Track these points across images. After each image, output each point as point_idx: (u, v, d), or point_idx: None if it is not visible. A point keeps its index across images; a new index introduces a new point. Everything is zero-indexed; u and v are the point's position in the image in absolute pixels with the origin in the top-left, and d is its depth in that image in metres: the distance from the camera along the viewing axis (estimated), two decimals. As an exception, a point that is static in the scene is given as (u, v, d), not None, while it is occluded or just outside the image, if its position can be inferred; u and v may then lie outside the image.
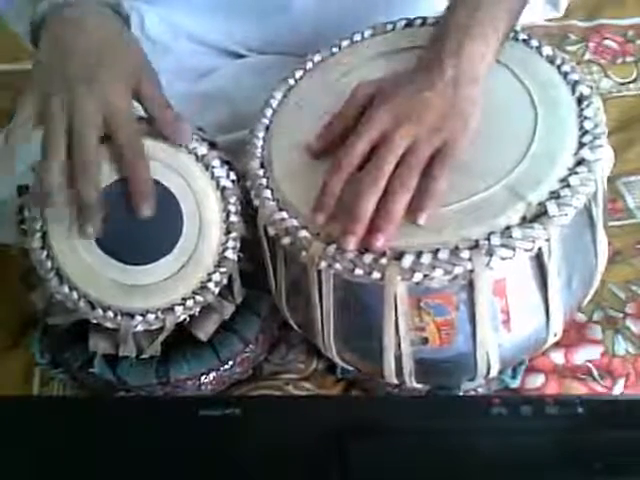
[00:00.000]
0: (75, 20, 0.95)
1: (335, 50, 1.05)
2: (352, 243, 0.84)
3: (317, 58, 1.05)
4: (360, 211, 0.84)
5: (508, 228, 0.82)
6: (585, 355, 1.10)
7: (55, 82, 0.92)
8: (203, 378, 1.07)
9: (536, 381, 1.08)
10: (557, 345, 1.04)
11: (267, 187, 0.93)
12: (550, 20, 1.64)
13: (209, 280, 0.98)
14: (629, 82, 1.53)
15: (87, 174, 0.90)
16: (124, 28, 1.00)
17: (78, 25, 0.95)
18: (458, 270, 0.82)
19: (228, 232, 0.98)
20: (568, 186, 0.83)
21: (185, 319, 0.99)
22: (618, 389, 1.07)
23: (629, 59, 1.58)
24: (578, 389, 1.07)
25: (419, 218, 0.84)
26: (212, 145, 1.00)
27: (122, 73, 0.93)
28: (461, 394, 1.02)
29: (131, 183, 0.92)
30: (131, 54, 0.97)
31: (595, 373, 1.09)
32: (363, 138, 0.87)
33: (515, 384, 1.07)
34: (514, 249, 0.81)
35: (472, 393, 1.03)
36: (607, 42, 1.62)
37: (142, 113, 0.96)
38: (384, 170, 0.85)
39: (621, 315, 1.15)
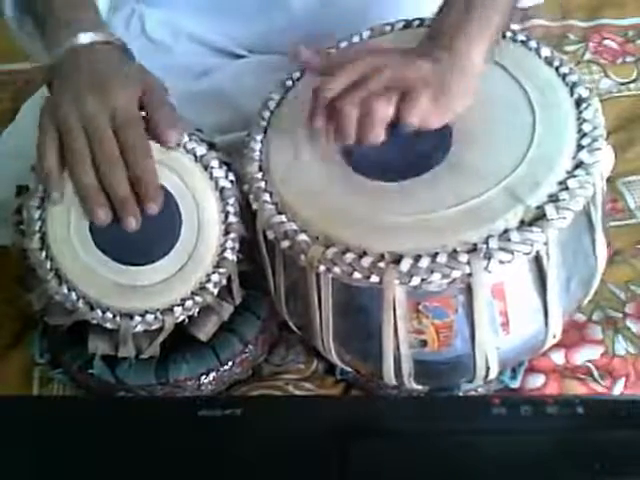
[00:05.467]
0: (83, 59, 0.97)
1: (333, 52, 1.04)
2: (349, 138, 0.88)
3: (315, 59, 1.04)
4: (344, 110, 0.87)
5: (506, 231, 0.82)
6: (585, 355, 1.10)
7: (66, 99, 0.94)
8: (203, 378, 1.07)
9: (536, 381, 1.08)
10: (557, 345, 1.03)
11: (265, 190, 0.93)
12: (550, 20, 1.64)
13: (208, 281, 0.98)
14: (629, 82, 1.53)
15: (115, 168, 0.92)
16: (128, 57, 1.02)
17: (86, 61, 0.97)
18: (456, 274, 0.82)
19: (227, 233, 0.98)
20: (566, 189, 0.83)
21: (184, 320, 0.99)
22: (618, 389, 1.07)
23: (629, 59, 1.57)
24: (578, 389, 1.07)
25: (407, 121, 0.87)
26: (211, 146, 1.00)
27: (128, 83, 0.95)
28: (461, 394, 1.02)
29: (138, 183, 0.93)
30: (136, 69, 0.99)
31: (595, 373, 1.09)
32: (348, 71, 0.90)
33: (515, 384, 1.07)
34: (512, 253, 0.81)
35: (472, 393, 1.03)
36: (607, 42, 1.61)
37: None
38: (364, 88, 0.88)
39: (621, 315, 1.14)
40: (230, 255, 0.98)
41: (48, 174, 0.93)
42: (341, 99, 0.88)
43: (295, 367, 1.13)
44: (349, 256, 0.85)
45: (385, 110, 0.87)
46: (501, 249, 0.81)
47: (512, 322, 0.89)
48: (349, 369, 1.03)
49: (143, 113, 0.95)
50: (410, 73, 0.88)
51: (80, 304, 0.97)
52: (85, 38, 0.97)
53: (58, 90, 0.96)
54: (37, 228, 0.96)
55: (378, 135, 0.88)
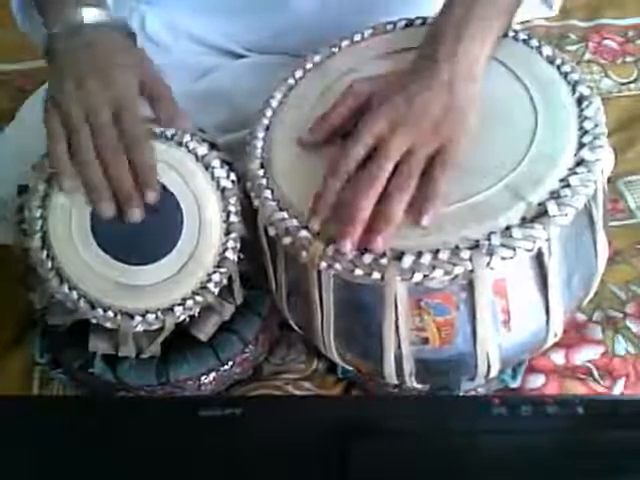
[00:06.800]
0: (85, 37, 0.98)
1: (335, 50, 1.05)
2: (348, 245, 0.84)
3: (317, 58, 1.04)
4: (356, 213, 0.84)
5: (508, 228, 0.82)
6: (585, 355, 1.11)
7: (68, 88, 0.94)
8: (203, 378, 1.07)
9: (536, 381, 1.09)
10: (557, 345, 1.04)
11: (267, 187, 0.93)
12: (550, 20, 1.64)
13: (209, 280, 0.98)
14: (629, 82, 1.54)
15: (117, 159, 0.93)
16: (131, 41, 1.03)
17: (88, 40, 0.98)
18: (458, 270, 0.82)
19: (228, 232, 0.98)
20: (568, 186, 0.83)
21: (185, 319, 0.99)
22: (618, 389, 1.07)
23: (629, 59, 1.59)
24: (578, 389, 1.07)
25: (422, 220, 0.83)
26: (212, 145, 1.00)
27: (129, 70, 0.96)
28: (461, 394, 1.02)
29: (135, 168, 0.93)
30: (138, 57, 1.00)
31: (595, 373, 1.09)
32: (359, 144, 0.87)
33: (515, 384, 1.07)
34: (514, 249, 0.81)
35: (472, 393, 1.03)
36: (607, 42, 1.62)
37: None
38: (380, 174, 0.85)
39: (621, 315, 1.15)
40: (231, 255, 0.98)
41: (58, 163, 0.94)
42: (355, 198, 0.85)
43: (296, 366, 1.14)
44: (350, 253, 0.84)
45: (400, 211, 0.85)
46: (503, 245, 0.81)
47: (514, 319, 0.89)
48: (350, 368, 1.03)
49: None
50: (418, 121, 0.87)
51: (81, 303, 0.96)
52: (88, 15, 0.98)
53: (59, 75, 0.97)
54: (38, 227, 0.97)
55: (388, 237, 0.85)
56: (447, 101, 0.87)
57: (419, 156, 0.86)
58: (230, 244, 0.98)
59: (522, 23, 1.53)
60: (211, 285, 0.98)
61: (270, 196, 0.92)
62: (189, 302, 0.98)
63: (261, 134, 0.98)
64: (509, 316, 0.88)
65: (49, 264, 0.96)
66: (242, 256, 1.00)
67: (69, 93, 0.94)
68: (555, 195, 0.83)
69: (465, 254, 0.81)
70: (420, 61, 0.92)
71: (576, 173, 0.84)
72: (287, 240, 0.89)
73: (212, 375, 1.08)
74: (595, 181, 0.86)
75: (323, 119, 0.94)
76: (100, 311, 0.97)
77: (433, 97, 0.87)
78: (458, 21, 0.90)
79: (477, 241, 0.82)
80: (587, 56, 1.59)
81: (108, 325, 0.97)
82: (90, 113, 0.93)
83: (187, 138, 0.98)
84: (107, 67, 0.95)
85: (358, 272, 0.85)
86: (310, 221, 0.87)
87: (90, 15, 0.98)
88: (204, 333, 1.03)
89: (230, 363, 1.08)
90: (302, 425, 0.88)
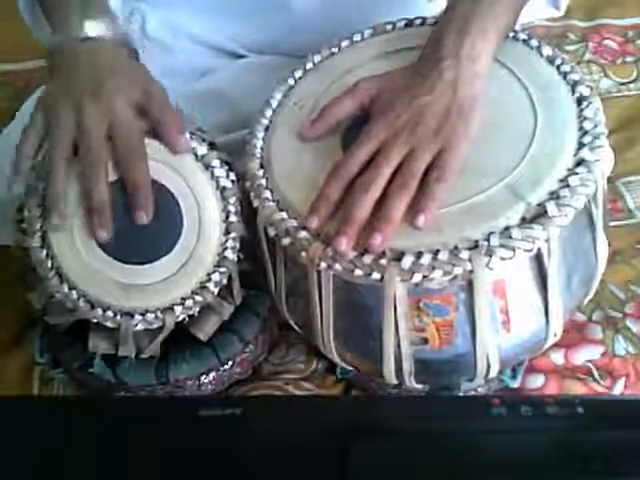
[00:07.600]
0: (86, 50, 0.99)
1: (335, 50, 1.05)
2: (343, 243, 0.84)
3: (317, 58, 1.04)
4: (354, 213, 0.84)
5: (508, 228, 0.82)
6: (585, 355, 1.11)
7: (62, 96, 0.95)
8: (203, 378, 1.07)
9: (536, 381, 1.08)
10: (557, 345, 1.03)
11: (267, 187, 0.93)
12: (550, 20, 1.64)
13: (208, 280, 0.98)
14: (629, 82, 1.54)
15: (95, 173, 0.93)
16: (131, 55, 1.03)
17: (88, 53, 0.98)
18: (457, 271, 0.82)
19: (227, 232, 0.98)
20: (568, 186, 0.83)
21: (185, 319, 0.99)
22: (618, 389, 1.07)
23: (629, 59, 1.59)
24: (578, 389, 1.07)
25: (418, 220, 0.83)
26: (212, 145, 1.00)
27: (126, 86, 0.96)
28: (461, 394, 1.02)
29: (129, 186, 0.94)
30: (135, 72, 1.00)
31: (595, 373, 1.09)
32: (362, 150, 0.88)
33: (515, 384, 1.07)
34: (514, 250, 0.81)
35: (472, 393, 1.03)
36: (607, 42, 1.62)
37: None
38: (379, 176, 0.86)
39: (621, 315, 1.15)
40: (231, 254, 0.98)
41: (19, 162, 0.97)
42: (354, 198, 0.86)
43: (295, 366, 1.14)
44: (350, 253, 0.85)
45: (400, 211, 0.85)
46: (502, 246, 0.81)
47: (513, 320, 0.89)
48: (349, 368, 1.02)
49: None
50: (420, 125, 0.87)
51: (81, 303, 0.96)
52: (91, 28, 0.99)
53: (56, 89, 0.97)
54: (38, 226, 0.96)
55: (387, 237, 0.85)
56: (450, 101, 0.87)
57: (420, 159, 0.86)
58: (230, 244, 0.98)
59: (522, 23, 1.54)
60: (211, 285, 0.98)
61: (270, 196, 0.92)
62: (189, 302, 0.98)
63: (261, 134, 0.98)
64: (508, 317, 0.88)
65: (49, 263, 0.96)
66: (242, 256, 1.00)
67: (65, 115, 0.94)
68: (555, 195, 0.83)
69: (464, 254, 0.81)
70: (424, 60, 0.92)
71: (576, 173, 0.84)
72: (287, 240, 0.89)
73: (212, 375, 1.08)
74: (595, 181, 0.85)
75: (325, 113, 0.94)
76: (100, 310, 0.97)
77: (436, 98, 0.88)
78: (461, 19, 0.90)
79: (476, 241, 0.82)
80: (587, 56, 1.59)
81: (108, 324, 0.97)
82: (83, 136, 0.94)
83: (186, 137, 0.98)
84: (106, 89, 0.95)
85: (358, 272, 0.85)
86: (310, 221, 0.87)
87: (93, 29, 0.99)
88: (204, 333, 1.03)
89: (230, 363, 1.08)
90: (302, 425, 0.88)
